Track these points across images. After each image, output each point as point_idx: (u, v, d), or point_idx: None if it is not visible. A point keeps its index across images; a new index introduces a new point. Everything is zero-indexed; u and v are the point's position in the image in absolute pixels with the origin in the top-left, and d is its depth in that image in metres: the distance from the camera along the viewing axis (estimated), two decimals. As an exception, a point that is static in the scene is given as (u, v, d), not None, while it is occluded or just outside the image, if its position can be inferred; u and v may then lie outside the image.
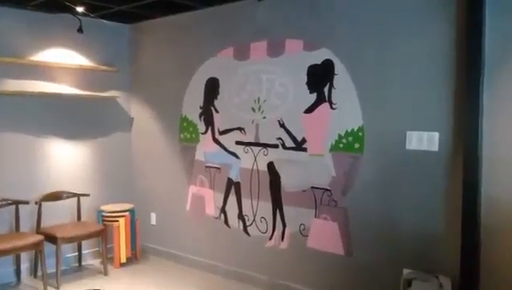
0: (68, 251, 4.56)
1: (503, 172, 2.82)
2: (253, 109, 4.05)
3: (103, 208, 4.65)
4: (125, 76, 5.04)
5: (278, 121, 3.88)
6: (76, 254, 4.64)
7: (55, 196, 4.41)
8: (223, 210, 4.35)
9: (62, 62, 4.48)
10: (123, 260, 4.60)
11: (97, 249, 4.77)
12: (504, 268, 2.82)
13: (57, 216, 4.43)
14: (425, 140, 3.10)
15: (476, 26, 2.81)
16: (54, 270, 4.07)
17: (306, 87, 3.69)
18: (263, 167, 4.01)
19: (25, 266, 4.29)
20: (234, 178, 4.25)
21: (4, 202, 4.05)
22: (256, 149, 4.05)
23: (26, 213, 4.22)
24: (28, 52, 4.30)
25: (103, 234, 4.38)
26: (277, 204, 3.94)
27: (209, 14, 4.31)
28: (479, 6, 2.80)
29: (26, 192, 4.21)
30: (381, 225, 3.33)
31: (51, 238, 4.06)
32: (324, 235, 3.63)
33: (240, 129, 4.16)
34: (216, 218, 4.41)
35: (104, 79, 4.83)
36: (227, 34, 4.22)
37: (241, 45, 4.11)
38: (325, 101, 3.58)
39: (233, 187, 4.26)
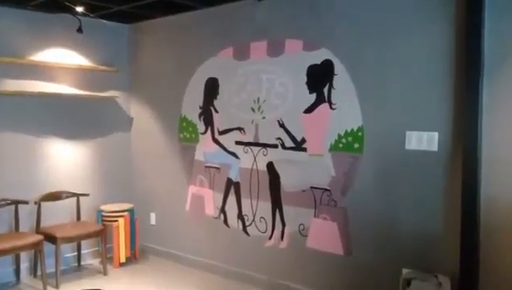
0: (68, 251, 4.56)
1: (502, 172, 2.82)
2: (253, 110, 4.06)
3: (102, 208, 4.65)
4: (125, 76, 5.04)
5: (278, 121, 3.88)
6: (76, 253, 4.64)
7: (55, 196, 4.41)
8: (222, 210, 4.35)
9: (61, 62, 4.49)
10: (122, 260, 4.60)
11: (96, 249, 4.77)
12: (503, 268, 2.83)
13: (57, 216, 4.43)
14: (424, 140, 3.11)
15: (476, 27, 2.82)
16: (53, 270, 4.07)
17: (305, 87, 3.69)
18: (263, 167, 4.01)
19: (24, 265, 4.28)
20: (234, 178, 4.25)
21: (3, 202, 4.05)
22: (255, 149, 4.06)
23: (26, 213, 4.22)
24: (28, 52, 4.30)
25: (102, 233, 4.38)
26: (276, 204, 3.94)
27: (209, 14, 4.32)
28: (478, 6, 2.81)
29: (25, 192, 4.21)
30: (380, 225, 3.33)
31: (51, 238, 4.06)
32: (324, 235, 3.63)
33: (239, 129, 4.17)
34: (216, 218, 4.41)
35: (103, 79, 4.84)
36: (227, 34, 4.22)
37: (241, 45, 4.11)
38: (325, 101, 3.59)
39: (232, 187, 4.27)
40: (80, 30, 4.40)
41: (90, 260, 4.75)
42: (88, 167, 4.79)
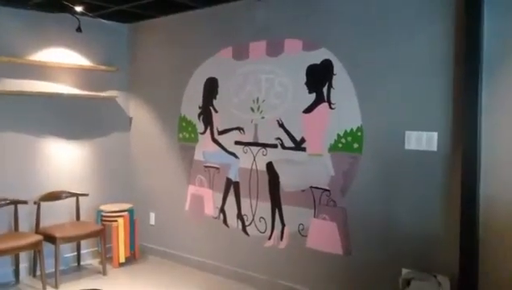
0: (67, 251, 4.56)
1: (502, 172, 2.82)
2: (252, 109, 4.06)
3: (102, 208, 4.65)
4: (124, 75, 5.04)
5: (277, 121, 3.88)
6: (75, 253, 4.63)
7: (54, 196, 4.41)
8: (222, 210, 4.35)
9: (61, 62, 4.48)
10: (122, 260, 4.60)
11: (95, 249, 4.77)
12: (502, 268, 2.83)
13: (56, 216, 4.43)
14: (424, 140, 3.11)
15: (475, 27, 2.82)
16: (53, 270, 4.07)
17: (305, 87, 3.69)
18: (262, 167, 4.01)
19: (24, 266, 4.28)
20: (233, 178, 4.25)
21: (3, 202, 4.04)
22: (255, 149, 4.05)
23: (25, 213, 4.22)
24: (27, 52, 4.29)
25: (102, 233, 4.38)
26: (276, 204, 3.94)
27: (208, 14, 4.31)
28: (477, 6, 2.81)
29: (24, 192, 4.21)
30: (379, 225, 3.33)
31: (50, 238, 4.06)
32: (323, 235, 3.63)
33: (239, 129, 4.17)
34: (215, 218, 4.41)
35: (103, 79, 4.83)
36: (226, 33, 4.22)
37: (241, 45, 4.11)
38: (324, 101, 3.59)
39: (232, 187, 4.26)
40: (79, 29, 4.39)
41: (90, 260, 4.75)
42: (88, 167, 4.79)
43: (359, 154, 3.42)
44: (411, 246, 3.19)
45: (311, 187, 3.69)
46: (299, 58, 3.71)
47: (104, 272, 4.39)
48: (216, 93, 4.32)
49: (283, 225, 3.90)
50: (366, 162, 3.38)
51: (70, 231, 4.23)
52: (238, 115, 4.16)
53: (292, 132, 3.79)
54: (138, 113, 5.07)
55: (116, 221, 4.55)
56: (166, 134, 4.81)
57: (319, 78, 3.61)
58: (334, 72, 3.52)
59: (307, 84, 3.68)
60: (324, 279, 3.64)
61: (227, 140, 4.26)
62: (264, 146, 3.99)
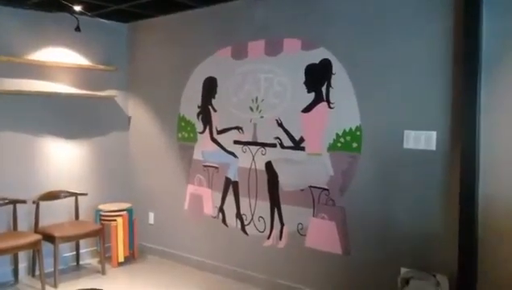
0: (66, 250, 4.56)
1: (500, 171, 2.83)
2: (251, 109, 4.06)
3: (101, 207, 4.64)
4: (123, 75, 5.03)
5: (276, 120, 3.88)
6: (74, 253, 4.64)
7: (53, 196, 4.41)
8: (221, 209, 4.35)
9: (59, 61, 4.48)
10: (121, 259, 4.60)
11: (94, 248, 4.76)
12: (501, 266, 2.83)
13: (55, 215, 4.43)
14: (423, 139, 3.11)
15: (474, 26, 2.82)
16: (52, 269, 4.07)
17: (304, 86, 3.69)
18: (261, 166, 4.01)
19: (23, 265, 4.28)
20: (232, 177, 4.25)
21: (2, 201, 4.04)
22: (254, 148, 4.05)
23: (24, 213, 4.21)
24: (25, 51, 4.29)
25: (101, 233, 4.37)
26: (275, 203, 3.94)
27: (207, 13, 4.31)
28: (476, 6, 2.81)
29: (23, 192, 4.20)
30: (378, 225, 3.34)
31: (49, 238, 4.06)
32: (322, 234, 3.63)
33: (238, 128, 4.17)
34: (214, 217, 4.41)
35: (102, 78, 4.83)
36: (225, 33, 4.22)
37: (239, 44, 4.11)
38: (323, 101, 3.59)
39: (231, 186, 4.26)
40: (78, 29, 4.39)
41: (88, 260, 4.75)
42: (87, 167, 4.78)
43: (358, 153, 3.42)
44: (410, 246, 3.19)
45: (310, 186, 3.69)
46: (297, 57, 3.71)
47: (103, 272, 4.39)
48: (215, 92, 4.32)
49: (282, 224, 3.90)
50: (365, 161, 3.39)
51: (69, 231, 4.23)
52: (237, 115, 4.16)
53: (291, 131, 3.79)
54: (137, 112, 5.06)
55: (115, 220, 4.55)
56: (165, 133, 4.81)
57: (318, 77, 3.61)
58: (333, 72, 3.52)
59: (306, 83, 3.68)
60: (322, 278, 3.65)
61: (226, 140, 4.26)
62: (263, 145, 3.99)
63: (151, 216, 4.98)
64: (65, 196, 4.48)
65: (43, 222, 4.28)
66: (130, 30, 5.03)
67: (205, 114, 4.42)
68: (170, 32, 4.70)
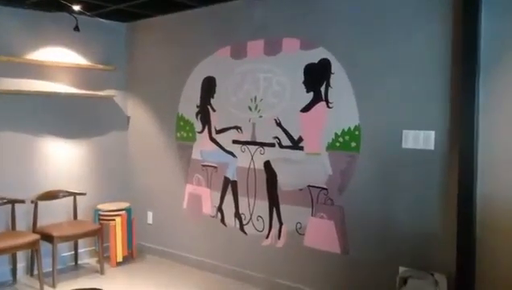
0: (65, 250, 4.56)
1: (499, 171, 2.84)
2: (250, 108, 4.06)
3: (99, 207, 4.64)
4: (122, 74, 5.03)
5: (275, 120, 3.89)
6: (73, 253, 4.64)
7: (52, 195, 4.40)
8: (220, 209, 4.36)
9: (58, 61, 4.48)
10: (119, 259, 4.60)
11: (93, 248, 4.76)
12: (499, 266, 2.84)
13: (53, 215, 4.42)
14: (421, 139, 3.12)
15: (472, 26, 2.83)
16: (50, 269, 4.06)
17: (303, 86, 3.70)
18: (260, 165, 4.01)
19: (21, 265, 4.27)
20: (231, 177, 4.25)
21: (0, 201, 4.03)
22: (253, 148, 4.06)
23: (23, 212, 4.21)
24: (24, 51, 4.28)
25: (99, 232, 4.37)
26: (273, 202, 3.94)
27: (207, 13, 4.32)
28: (475, 5, 2.82)
29: (22, 191, 4.20)
30: (377, 224, 3.34)
31: (48, 237, 4.05)
32: (321, 234, 3.64)
33: (237, 128, 4.17)
34: (213, 217, 4.41)
35: (100, 78, 4.83)
36: (224, 33, 4.22)
37: (239, 44, 4.11)
38: (322, 100, 3.60)
39: (229, 186, 4.27)
40: (77, 28, 4.38)
41: (87, 259, 4.75)
42: (85, 166, 4.78)
43: (356, 153, 3.43)
44: (409, 245, 3.20)
45: (309, 186, 3.69)
46: (296, 57, 3.72)
47: (101, 271, 4.38)
48: (214, 92, 4.33)
49: (281, 223, 3.90)
50: (364, 161, 3.39)
51: (67, 230, 4.23)
52: (236, 114, 4.16)
53: (290, 131, 3.80)
54: (136, 112, 5.06)
55: (113, 220, 4.55)
56: (164, 133, 4.81)
57: (316, 77, 3.62)
58: (332, 71, 3.53)
59: (305, 83, 3.69)
60: (321, 277, 3.65)
61: (225, 139, 4.27)
62: (262, 145, 3.99)
63: (150, 215, 4.98)
64: (64, 196, 4.47)
65: (42, 222, 4.28)
66: (129, 29, 5.03)
67: (204, 114, 4.43)
68: (169, 32, 4.70)
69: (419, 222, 3.14)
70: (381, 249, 3.33)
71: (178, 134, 4.68)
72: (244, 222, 4.18)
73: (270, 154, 3.94)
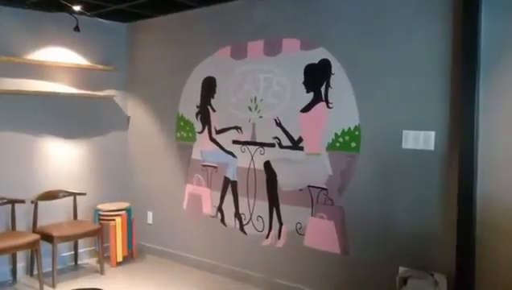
0: (65, 250, 4.56)
1: (499, 171, 2.84)
2: (250, 109, 4.06)
3: (99, 207, 4.64)
4: (122, 75, 5.03)
5: (275, 120, 3.89)
6: (73, 253, 4.64)
7: (52, 195, 4.40)
8: (220, 209, 4.36)
9: (59, 61, 4.48)
10: (119, 259, 4.60)
11: (93, 248, 4.76)
12: (499, 266, 2.84)
13: (53, 215, 4.42)
14: (421, 139, 3.12)
15: (472, 26, 2.83)
16: (50, 269, 4.06)
17: (303, 86, 3.70)
18: (260, 166, 4.01)
19: (21, 265, 4.27)
20: (231, 177, 4.25)
21: (0, 201, 4.03)
22: (253, 148, 4.06)
23: (23, 212, 4.21)
24: (24, 51, 4.28)
25: (99, 232, 4.37)
26: (273, 203, 3.95)
27: (207, 13, 4.32)
28: (475, 5, 2.82)
29: (22, 191, 4.20)
30: (377, 224, 3.34)
31: (48, 237, 4.05)
32: (321, 234, 3.64)
33: (237, 128, 4.17)
34: (213, 217, 4.41)
35: (101, 78, 4.83)
36: (224, 33, 4.22)
37: (239, 44, 4.11)
38: (322, 101, 3.60)
39: (229, 186, 4.27)
40: (77, 28, 4.39)
41: (87, 259, 4.75)
42: (85, 166, 4.78)
43: (357, 153, 3.43)
44: (408, 245, 3.20)
45: (309, 186, 3.70)
46: (297, 57, 3.72)
47: (101, 271, 4.38)
48: (214, 92, 4.33)
49: (281, 223, 3.90)
50: (364, 161, 3.39)
51: (67, 230, 4.23)
52: (236, 114, 4.17)
53: (290, 131, 3.80)
54: (136, 112, 5.07)
55: (113, 220, 4.55)
56: (164, 133, 4.81)
57: (317, 77, 3.62)
58: (332, 72, 3.53)
59: (305, 83, 3.69)
60: (321, 277, 3.65)
61: (225, 139, 4.27)
62: (262, 145, 3.99)
63: (150, 215, 4.98)
64: (64, 196, 4.47)
65: (42, 222, 4.28)
66: (129, 30, 5.04)
67: (204, 114, 4.43)
68: (169, 32, 4.70)
69: (419, 222, 3.15)
70: (381, 249, 3.33)
71: (178, 134, 4.68)
72: (244, 222, 4.18)
73: (270, 154, 3.94)
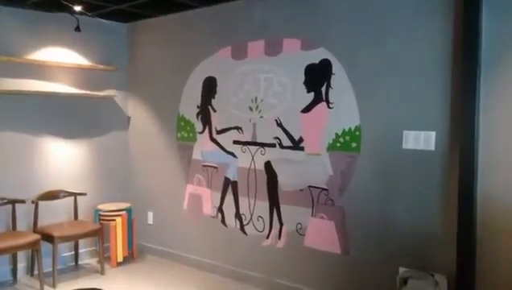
0: (65, 250, 4.56)
1: (499, 171, 2.83)
2: (251, 109, 4.06)
3: (100, 207, 4.64)
4: (123, 75, 5.04)
5: (276, 120, 3.89)
6: (73, 253, 4.64)
7: (52, 195, 4.40)
8: (220, 209, 4.36)
9: (59, 61, 4.48)
10: (120, 259, 4.60)
11: (93, 248, 4.76)
12: (499, 266, 2.84)
13: (54, 215, 4.43)
14: (422, 140, 3.12)
15: (473, 26, 2.83)
16: (50, 269, 4.06)
17: (303, 86, 3.70)
18: (260, 166, 4.01)
19: (21, 265, 4.28)
20: (231, 177, 4.25)
21: (1, 201, 4.04)
22: (253, 148, 4.06)
23: (23, 212, 4.21)
24: (25, 51, 4.29)
25: (100, 233, 4.37)
26: (274, 203, 3.94)
27: (207, 13, 4.32)
28: (475, 6, 2.82)
29: (22, 191, 4.20)
30: (377, 224, 3.34)
31: (48, 237, 4.05)
32: (321, 234, 3.64)
33: (237, 128, 4.17)
34: (214, 217, 4.41)
35: (101, 78, 4.83)
36: (225, 33, 4.22)
37: (239, 44, 4.11)
38: (322, 101, 3.60)
39: (230, 186, 4.27)
40: (78, 29, 4.40)
41: (87, 259, 4.75)
42: (86, 167, 4.78)
43: (357, 153, 3.43)
44: (409, 245, 3.20)
45: (310, 186, 3.69)
46: (297, 57, 3.72)
47: (102, 271, 4.38)
48: (215, 92, 4.33)
49: (281, 224, 3.90)
50: (364, 161, 3.39)
51: (68, 230, 4.23)
52: (237, 115, 4.16)
53: (290, 131, 3.80)
54: (137, 112, 5.07)
55: (114, 220, 4.55)
56: (164, 133, 4.81)
57: (317, 78, 3.62)
58: (332, 72, 3.53)
59: (306, 83, 3.69)
60: (321, 277, 3.65)
61: (225, 139, 4.27)
62: (262, 145, 3.99)
63: (150, 216, 4.98)
64: (64, 196, 4.48)
65: (42, 222, 4.28)
66: (129, 30, 5.04)
67: (205, 114, 4.43)
68: (169, 32, 4.70)
69: (420, 223, 3.14)
70: (381, 249, 3.33)
71: (178, 135, 4.68)
72: (244, 223, 4.17)
73: (271, 154, 3.94)
